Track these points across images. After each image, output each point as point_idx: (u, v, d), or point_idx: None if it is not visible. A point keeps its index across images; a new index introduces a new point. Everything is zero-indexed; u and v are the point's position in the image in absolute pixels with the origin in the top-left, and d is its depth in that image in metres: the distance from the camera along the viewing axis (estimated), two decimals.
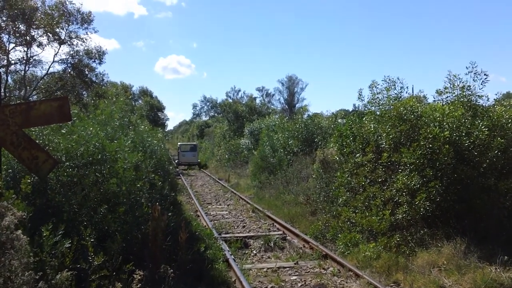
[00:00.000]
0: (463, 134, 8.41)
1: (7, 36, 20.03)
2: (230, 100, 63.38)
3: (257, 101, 57.03)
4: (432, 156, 8.30)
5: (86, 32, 21.54)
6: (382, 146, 9.45)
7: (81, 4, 23.53)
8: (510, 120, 8.59)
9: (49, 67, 21.83)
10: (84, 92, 23.57)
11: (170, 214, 7.35)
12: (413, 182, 8.20)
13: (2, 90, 19.00)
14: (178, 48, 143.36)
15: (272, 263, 8.31)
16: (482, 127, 8.27)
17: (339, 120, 19.38)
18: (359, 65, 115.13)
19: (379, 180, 9.15)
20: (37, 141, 5.63)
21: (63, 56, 21.78)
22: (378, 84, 10.17)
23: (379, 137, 9.68)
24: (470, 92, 9.07)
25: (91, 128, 6.45)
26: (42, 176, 5.42)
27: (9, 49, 20.29)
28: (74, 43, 21.44)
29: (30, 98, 20.54)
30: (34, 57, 21.30)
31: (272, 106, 58.01)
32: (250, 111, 38.42)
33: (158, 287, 5.45)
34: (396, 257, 7.55)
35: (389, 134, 9.20)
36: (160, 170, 9.24)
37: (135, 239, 6.00)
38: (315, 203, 11.98)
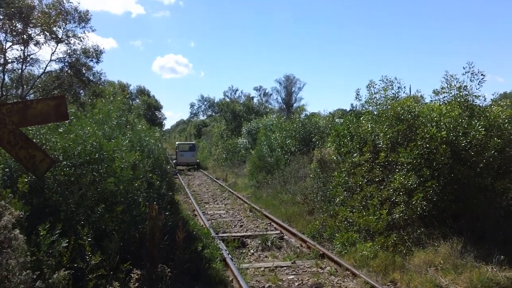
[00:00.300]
0: (460, 134, 8.44)
1: (4, 35, 20.00)
2: (228, 100, 63.30)
3: (255, 100, 57.08)
4: (429, 156, 8.32)
5: (84, 31, 21.50)
6: (380, 145, 9.48)
7: (79, 3, 23.46)
8: (506, 120, 8.61)
9: (46, 66, 21.80)
10: (81, 91, 23.52)
11: (167, 213, 7.35)
12: (410, 182, 8.22)
13: None
14: (175, 47, 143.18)
15: (269, 263, 8.33)
16: (479, 127, 8.30)
17: (337, 120, 19.40)
18: (357, 65, 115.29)
19: (376, 179, 9.17)
20: (34, 140, 5.62)
21: (60, 55, 21.77)
22: (376, 84, 10.21)
23: (377, 137, 9.70)
24: (467, 92, 9.10)
25: (88, 127, 6.44)
26: (39, 176, 5.39)
27: (6, 48, 20.25)
28: (72, 42, 21.42)
29: (27, 97, 20.49)
30: (31, 56, 21.27)
31: (269, 106, 58.00)
32: (248, 110, 38.39)
33: (155, 286, 5.45)
34: (393, 257, 7.57)
35: (387, 134, 9.23)
36: (158, 169, 9.23)
37: (133, 238, 6.00)
38: (312, 202, 12.00)
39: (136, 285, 4.42)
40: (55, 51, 21.36)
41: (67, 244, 4.56)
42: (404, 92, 10.12)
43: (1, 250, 3.75)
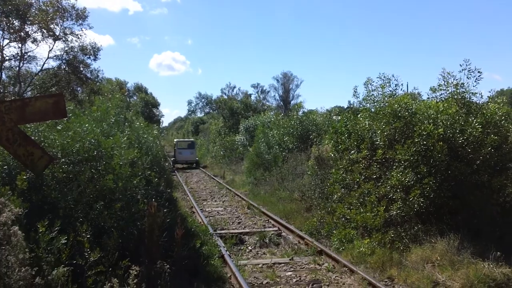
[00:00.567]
0: (457, 131, 8.47)
1: (1, 32, 19.86)
2: (225, 97, 63.29)
3: (252, 97, 57.09)
4: (426, 153, 8.36)
5: (81, 28, 21.42)
6: (377, 143, 9.50)
7: (76, 0, 23.32)
8: (503, 117, 8.65)
9: (44, 63, 21.70)
10: (78, 89, 23.45)
11: (166, 210, 7.37)
12: (407, 179, 8.26)
13: None
14: (173, 45, 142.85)
15: (267, 259, 8.37)
16: (476, 124, 8.33)
17: (334, 117, 19.42)
18: (354, 62, 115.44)
19: (374, 176, 9.21)
20: (32, 138, 5.63)
21: (58, 52, 21.66)
22: (373, 81, 10.21)
23: (374, 134, 9.73)
24: (464, 90, 9.12)
25: (86, 125, 6.44)
26: (37, 173, 5.40)
27: (3, 45, 20.16)
28: (69, 39, 21.32)
29: (25, 94, 20.39)
30: (28, 53, 21.16)
31: (267, 103, 58.07)
32: (246, 107, 38.39)
33: (154, 283, 5.48)
34: (390, 253, 7.62)
35: (384, 131, 9.26)
36: (156, 166, 9.25)
37: (131, 235, 6.02)
38: (310, 199, 12.04)
39: (135, 281, 4.45)
40: (52, 48, 21.27)
41: (66, 241, 4.59)
42: (401, 89, 10.15)
43: (1, 246, 3.77)
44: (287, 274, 7.49)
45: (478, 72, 8.97)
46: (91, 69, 22.80)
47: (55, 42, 21.07)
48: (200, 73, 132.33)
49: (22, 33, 20.03)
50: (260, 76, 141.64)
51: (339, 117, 14.44)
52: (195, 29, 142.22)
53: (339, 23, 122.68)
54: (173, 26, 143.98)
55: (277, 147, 18.88)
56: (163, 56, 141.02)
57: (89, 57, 22.22)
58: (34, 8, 19.97)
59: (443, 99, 9.37)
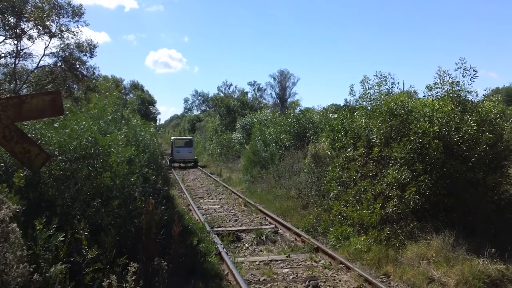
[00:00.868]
0: (452, 129, 8.53)
1: None
2: (222, 95, 63.26)
3: (249, 95, 57.05)
4: (422, 150, 8.41)
5: (77, 25, 21.33)
6: (373, 141, 9.55)
7: None
8: (498, 116, 8.71)
9: (40, 60, 21.59)
10: (75, 86, 23.36)
11: (163, 208, 7.39)
12: (403, 176, 8.31)
13: None
14: (169, 42, 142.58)
15: (264, 256, 8.40)
16: (471, 122, 8.39)
17: (330, 115, 19.47)
18: (350, 61, 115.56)
19: (370, 174, 9.26)
20: (29, 135, 5.62)
21: (54, 49, 21.55)
22: (370, 80, 10.27)
23: (370, 132, 9.77)
24: (459, 88, 9.17)
25: (83, 122, 6.43)
26: (34, 170, 5.41)
27: None
28: (65, 36, 21.21)
29: (20, 91, 20.31)
30: (24, 50, 21.06)
31: (263, 101, 58.08)
32: (242, 105, 38.38)
33: (152, 280, 5.50)
34: (386, 250, 7.68)
35: (380, 129, 9.30)
36: (153, 164, 9.26)
37: (129, 232, 6.02)
38: (306, 197, 12.08)
39: (133, 278, 4.46)
40: (48, 45, 21.18)
41: (63, 238, 4.59)
42: (397, 87, 10.20)
43: None
44: (284, 271, 7.53)
45: (474, 70, 9.03)
46: (87, 66, 22.72)
47: (51, 39, 20.99)
48: (196, 71, 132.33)
49: (17, 30, 19.92)
50: (256, 74, 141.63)
51: (336, 115, 14.49)
52: (191, 27, 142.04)
53: (336, 21, 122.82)
54: (170, 23, 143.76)
55: (273, 145, 18.91)
56: (160, 53, 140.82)
57: (85, 54, 22.15)
58: (29, 5, 19.88)
59: (438, 97, 9.43)
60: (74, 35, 21.33)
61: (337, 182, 10.21)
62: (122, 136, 7.10)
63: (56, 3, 20.38)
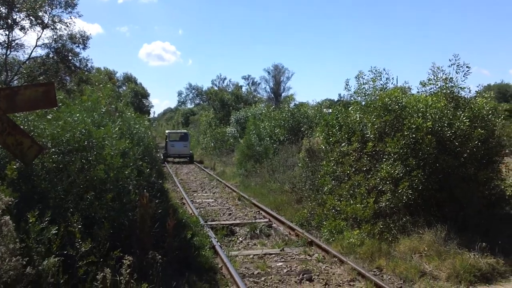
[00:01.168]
0: (445, 124, 8.58)
1: None
2: (216, 88, 63.07)
3: (243, 89, 56.93)
4: (415, 146, 8.46)
5: (70, 16, 21.14)
6: (367, 135, 9.58)
7: None
8: (490, 112, 8.77)
9: (32, 51, 21.41)
10: (67, 78, 23.17)
11: (157, 201, 7.37)
12: (396, 171, 8.36)
13: None
14: (163, 35, 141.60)
15: (258, 250, 8.43)
16: (464, 118, 8.45)
17: (324, 110, 19.50)
18: (345, 56, 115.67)
19: (364, 169, 9.30)
20: (22, 127, 5.57)
21: (46, 41, 21.38)
22: (365, 75, 10.28)
23: (365, 127, 9.80)
24: (452, 84, 9.24)
25: (77, 114, 6.38)
26: (27, 162, 5.36)
27: None
28: (58, 27, 21.05)
29: (11, 83, 20.10)
30: (16, 41, 20.85)
31: (258, 95, 58.04)
32: (236, 99, 38.32)
33: (146, 273, 5.49)
34: (379, 244, 7.74)
35: (374, 124, 9.33)
36: (148, 157, 9.22)
37: (122, 225, 6.00)
38: (300, 191, 12.11)
39: (128, 271, 4.45)
40: (40, 36, 20.99)
41: (56, 231, 4.56)
42: (392, 83, 10.23)
43: None
44: (278, 264, 7.56)
45: (467, 67, 9.10)
46: (80, 58, 22.56)
47: (43, 30, 20.80)
48: (190, 64, 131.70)
49: (9, 20, 19.70)
50: (251, 68, 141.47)
51: (330, 110, 14.52)
52: (186, 19, 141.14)
53: (330, 16, 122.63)
54: (164, 15, 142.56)
55: (268, 139, 18.91)
56: (153, 46, 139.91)
57: (78, 46, 21.99)
58: None
59: (432, 93, 9.48)
60: (67, 26, 21.18)
61: (331, 177, 10.24)
62: (116, 129, 7.05)
63: None
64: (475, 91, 9.57)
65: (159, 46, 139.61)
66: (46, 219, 4.54)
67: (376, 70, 10.14)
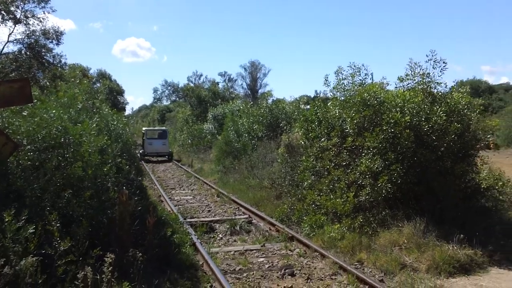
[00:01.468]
0: (423, 119, 8.72)
1: None
2: (192, 85, 62.58)
3: (220, 86, 56.68)
4: (393, 140, 8.58)
5: (43, 12, 20.54)
6: (347, 130, 9.67)
7: None
8: (466, 106, 8.97)
9: (3, 47, 20.73)
10: (40, 74, 22.54)
11: (137, 198, 7.25)
12: (375, 165, 8.46)
13: None
14: (137, 31, 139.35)
15: (239, 246, 8.40)
16: (440, 112, 8.61)
17: (302, 106, 19.61)
18: (321, 53, 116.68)
19: (343, 163, 9.38)
20: None
21: (19, 36, 20.76)
22: (344, 70, 10.36)
23: (344, 122, 9.89)
24: (429, 79, 9.38)
25: (53, 111, 6.19)
26: (2, 160, 5.19)
27: None
28: (30, 22, 20.44)
29: None
30: None
31: (234, 91, 57.89)
32: (214, 96, 38.15)
33: (126, 271, 5.39)
34: (360, 237, 7.83)
35: (353, 119, 9.41)
36: (126, 154, 9.05)
37: (101, 223, 5.87)
38: (280, 187, 12.14)
39: (109, 269, 4.35)
40: (12, 31, 20.37)
41: (34, 230, 4.42)
42: (370, 78, 10.36)
43: None
44: (259, 260, 7.55)
45: (444, 62, 9.25)
46: (53, 54, 21.98)
47: (15, 25, 20.20)
48: (165, 60, 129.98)
49: None
50: (227, 65, 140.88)
51: (308, 106, 14.59)
52: (161, 15, 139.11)
53: (306, 13, 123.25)
54: (138, 11, 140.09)
55: (246, 135, 18.90)
56: (127, 42, 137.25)
57: (52, 42, 21.42)
58: None
59: (410, 88, 9.62)
60: (40, 21, 20.60)
61: (311, 172, 10.29)
62: (94, 125, 6.88)
63: None
64: (451, 86, 9.75)
65: (133, 42, 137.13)
66: (23, 218, 4.40)
67: (355, 66, 10.24)
